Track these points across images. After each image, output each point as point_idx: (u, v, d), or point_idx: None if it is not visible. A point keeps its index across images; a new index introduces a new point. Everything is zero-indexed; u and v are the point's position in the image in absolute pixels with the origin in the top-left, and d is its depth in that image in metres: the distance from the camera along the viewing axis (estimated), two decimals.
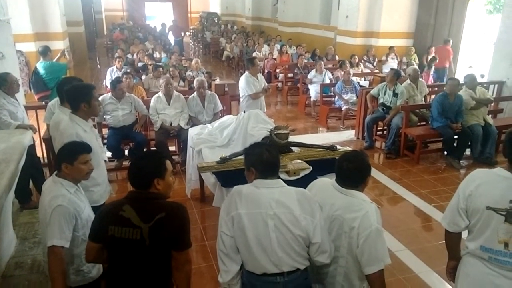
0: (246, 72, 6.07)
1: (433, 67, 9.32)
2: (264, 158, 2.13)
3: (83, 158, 2.44)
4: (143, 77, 7.76)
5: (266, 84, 6.25)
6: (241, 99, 6.15)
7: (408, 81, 6.58)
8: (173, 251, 2.01)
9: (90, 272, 2.50)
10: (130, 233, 1.97)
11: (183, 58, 9.91)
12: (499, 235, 1.97)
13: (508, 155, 1.99)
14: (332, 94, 8.08)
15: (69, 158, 2.39)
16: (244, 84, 5.94)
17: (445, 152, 6.19)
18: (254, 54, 11.70)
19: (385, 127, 6.63)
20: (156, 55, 10.55)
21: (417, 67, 7.17)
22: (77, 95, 3.06)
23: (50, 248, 2.23)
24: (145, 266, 2.02)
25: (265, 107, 6.38)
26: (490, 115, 6.38)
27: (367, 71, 9.98)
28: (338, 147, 4.28)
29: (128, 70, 7.32)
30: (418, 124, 6.48)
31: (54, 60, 6.56)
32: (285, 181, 2.25)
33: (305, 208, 2.07)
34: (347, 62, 8.92)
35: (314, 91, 8.33)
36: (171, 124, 5.60)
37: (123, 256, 2.03)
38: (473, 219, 2.07)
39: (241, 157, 3.87)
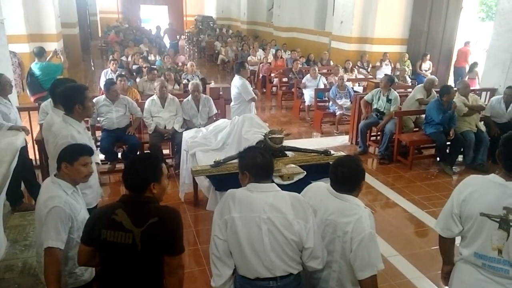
0: (240, 76, 5.75)
1: (478, 73, 9.46)
2: (258, 162, 2.13)
3: (83, 160, 2.44)
4: (138, 79, 7.74)
5: None
6: (235, 105, 5.83)
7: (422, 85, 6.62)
8: (165, 256, 1.99)
9: (82, 275, 2.48)
10: (122, 237, 1.95)
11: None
12: (492, 241, 1.98)
13: (504, 160, 2.01)
14: (326, 99, 8.11)
15: (69, 158, 2.39)
16: (247, 88, 5.69)
17: (438, 158, 6.23)
18: (249, 58, 11.73)
19: (379, 133, 6.67)
20: (151, 57, 10.53)
21: (435, 77, 7.08)
22: (70, 96, 3.04)
23: (46, 250, 2.21)
24: (136, 271, 2.00)
25: (259, 111, 6.29)
26: (482, 122, 6.44)
27: (361, 76, 10.04)
28: (332, 152, 4.30)
29: (123, 73, 7.30)
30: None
31: (47, 61, 6.53)
32: (279, 185, 2.25)
33: (298, 213, 2.07)
34: (340, 67, 8.97)
35: (308, 96, 8.36)
36: (165, 127, 5.58)
37: (115, 260, 2.01)
38: (467, 225, 2.08)
39: (235, 161, 3.87)
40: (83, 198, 3.01)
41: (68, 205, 2.31)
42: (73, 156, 2.40)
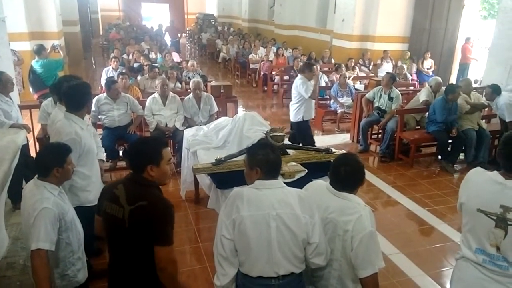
0: (302, 76, 5.72)
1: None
2: (270, 158, 2.13)
3: (69, 159, 2.46)
4: (139, 77, 7.74)
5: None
6: (295, 104, 5.86)
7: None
8: (154, 246, 2.00)
9: (75, 276, 2.47)
10: (116, 210, 2.04)
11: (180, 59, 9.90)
12: (490, 238, 1.99)
13: (504, 160, 2.01)
14: (328, 97, 8.10)
15: (59, 162, 2.39)
16: (307, 86, 5.64)
17: (439, 156, 6.22)
18: (250, 56, 11.72)
19: (380, 131, 6.66)
20: (152, 55, 10.52)
21: (439, 78, 6.98)
22: (83, 95, 3.10)
23: (35, 252, 2.19)
24: (127, 250, 2.06)
25: (260, 109, 6.25)
26: (484, 120, 6.42)
27: (363, 74, 10.01)
28: (333, 150, 4.30)
29: (124, 71, 7.30)
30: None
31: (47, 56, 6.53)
32: None
33: (305, 207, 2.08)
34: (343, 65, 8.95)
35: None
36: (166, 125, 5.58)
37: (111, 232, 2.13)
38: (465, 219, 2.10)
39: (237, 158, 3.87)
40: (86, 196, 3.04)
41: (56, 206, 2.31)
42: (62, 159, 2.41)
